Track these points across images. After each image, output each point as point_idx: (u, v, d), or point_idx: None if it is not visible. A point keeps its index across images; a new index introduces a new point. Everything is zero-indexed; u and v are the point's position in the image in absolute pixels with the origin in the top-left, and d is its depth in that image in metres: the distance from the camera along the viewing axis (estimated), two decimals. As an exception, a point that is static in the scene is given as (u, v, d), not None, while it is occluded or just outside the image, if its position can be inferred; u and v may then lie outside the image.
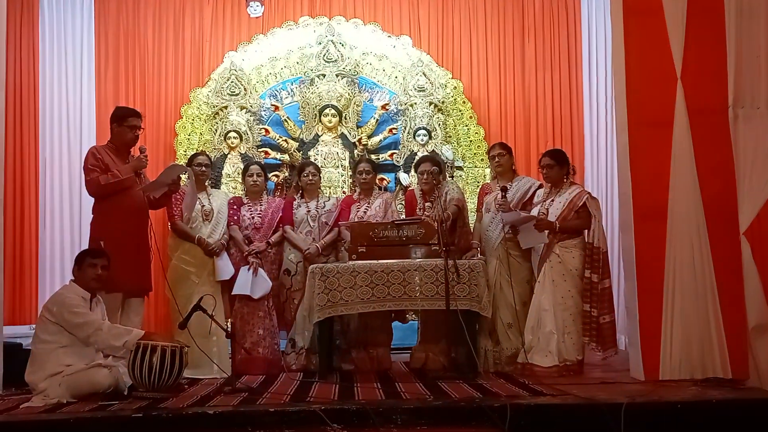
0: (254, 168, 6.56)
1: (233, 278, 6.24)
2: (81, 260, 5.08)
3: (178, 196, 6.11)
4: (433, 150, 7.71)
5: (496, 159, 6.26)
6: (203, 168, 6.31)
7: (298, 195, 6.67)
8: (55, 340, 4.87)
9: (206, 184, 6.46)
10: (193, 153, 6.99)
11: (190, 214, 6.16)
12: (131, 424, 4.16)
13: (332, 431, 4.14)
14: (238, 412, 4.29)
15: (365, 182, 6.53)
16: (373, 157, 7.89)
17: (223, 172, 7.75)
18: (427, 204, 6.15)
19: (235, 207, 6.47)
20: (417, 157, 7.14)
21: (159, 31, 8.38)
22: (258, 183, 6.52)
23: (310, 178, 6.56)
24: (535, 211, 5.92)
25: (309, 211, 6.50)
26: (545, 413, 4.30)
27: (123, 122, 5.66)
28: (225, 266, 6.23)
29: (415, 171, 6.47)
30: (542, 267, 5.77)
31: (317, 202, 6.56)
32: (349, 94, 8.04)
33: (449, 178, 6.55)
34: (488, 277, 5.76)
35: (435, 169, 6.22)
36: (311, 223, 6.47)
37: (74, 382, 4.78)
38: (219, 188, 7.45)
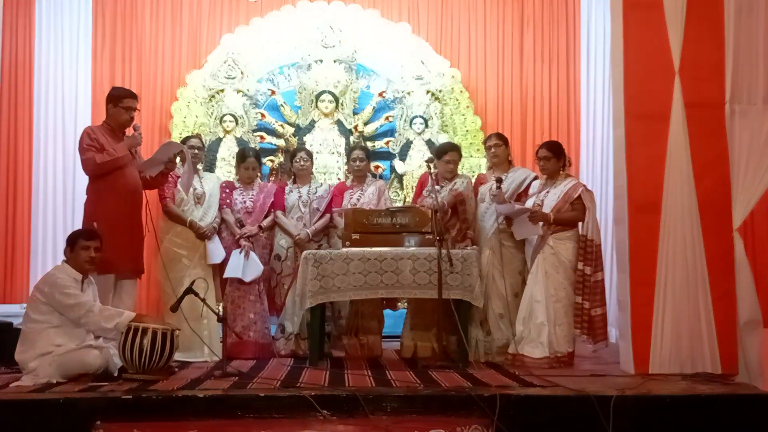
0: (251, 162, 6.50)
1: (225, 261, 6.24)
2: (74, 242, 5.06)
3: (172, 179, 6.09)
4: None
5: (492, 150, 6.25)
6: (195, 150, 6.27)
7: (291, 180, 6.67)
8: (46, 320, 4.86)
9: (198, 167, 6.44)
10: (186, 136, 6.97)
11: (187, 192, 6.16)
12: (121, 406, 4.17)
13: (322, 417, 4.15)
14: (228, 396, 4.30)
15: (358, 169, 6.52)
16: (368, 144, 7.90)
17: (218, 156, 7.75)
18: (437, 187, 6.08)
19: (227, 190, 6.46)
20: (441, 143, 7.05)
21: (156, 13, 8.32)
22: (252, 176, 6.51)
23: (302, 163, 6.55)
24: (530, 203, 5.92)
25: (301, 197, 6.49)
26: (535, 404, 4.32)
27: (119, 103, 5.64)
28: (216, 249, 6.22)
29: (437, 156, 6.32)
30: (535, 258, 5.77)
31: (309, 187, 6.55)
32: (346, 80, 8.03)
33: (464, 172, 6.53)
34: (481, 267, 5.77)
35: (457, 159, 6.27)
36: (302, 209, 6.47)
37: (64, 362, 4.77)
38: (213, 172, 7.44)
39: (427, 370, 5.25)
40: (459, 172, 6.41)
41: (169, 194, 6.17)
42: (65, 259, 5.08)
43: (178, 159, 6.08)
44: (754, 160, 5.05)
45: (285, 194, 6.52)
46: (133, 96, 5.73)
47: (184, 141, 6.44)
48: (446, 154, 6.26)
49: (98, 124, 5.87)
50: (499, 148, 6.22)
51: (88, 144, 5.49)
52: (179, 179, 6.10)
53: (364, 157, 6.55)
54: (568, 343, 5.69)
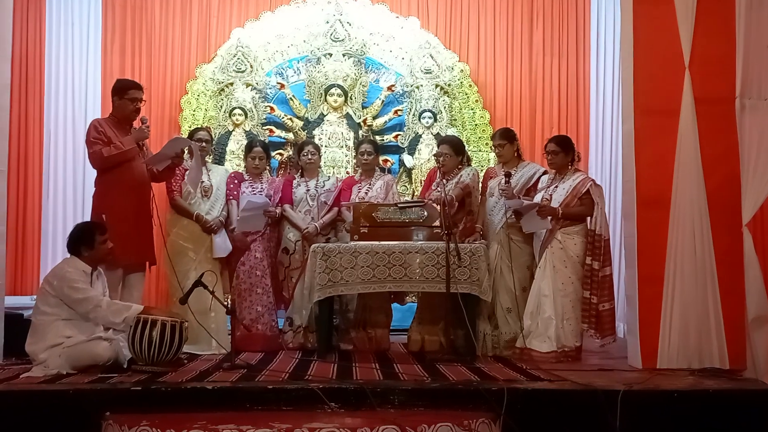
0: (257, 151, 6.50)
1: (232, 254, 6.26)
2: (91, 239, 5.02)
3: (179, 172, 6.10)
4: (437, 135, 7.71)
5: (497, 150, 6.25)
6: (203, 144, 6.27)
7: (298, 174, 6.67)
8: (56, 312, 4.89)
9: (206, 159, 6.44)
10: (194, 128, 6.98)
11: (195, 188, 6.15)
12: (130, 397, 4.19)
13: (330, 410, 4.16)
14: (237, 388, 4.32)
15: (366, 163, 6.53)
16: (377, 138, 7.91)
17: (228, 149, 7.77)
18: (443, 182, 6.09)
19: (235, 181, 6.46)
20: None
21: (166, 6, 8.33)
22: (259, 166, 6.51)
23: (309, 157, 6.54)
24: (538, 197, 5.92)
25: (308, 191, 6.50)
26: (542, 398, 4.33)
27: (124, 95, 5.64)
28: (223, 243, 6.23)
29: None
30: (544, 253, 5.77)
31: (317, 181, 6.56)
32: (355, 74, 8.03)
33: (470, 165, 6.51)
34: (489, 262, 5.77)
35: (450, 152, 6.21)
36: (310, 202, 6.47)
37: (74, 353, 4.80)
38: (223, 165, 7.46)
39: (434, 363, 5.26)
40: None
41: (176, 188, 6.18)
42: (81, 254, 5.08)
43: (186, 154, 6.09)
44: (764, 155, 5.01)
45: (293, 188, 6.53)
46: (138, 87, 5.73)
47: (192, 133, 6.45)
48: (438, 147, 6.39)
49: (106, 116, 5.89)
50: (503, 149, 6.20)
51: (95, 137, 5.49)
52: (186, 173, 6.10)
53: (372, 151, 6.55)
54: (575, 338, 5.69)
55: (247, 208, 6.15)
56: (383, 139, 8.04)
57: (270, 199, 6.37)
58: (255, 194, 6.34)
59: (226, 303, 5.83)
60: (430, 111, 7.97)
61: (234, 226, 6.26)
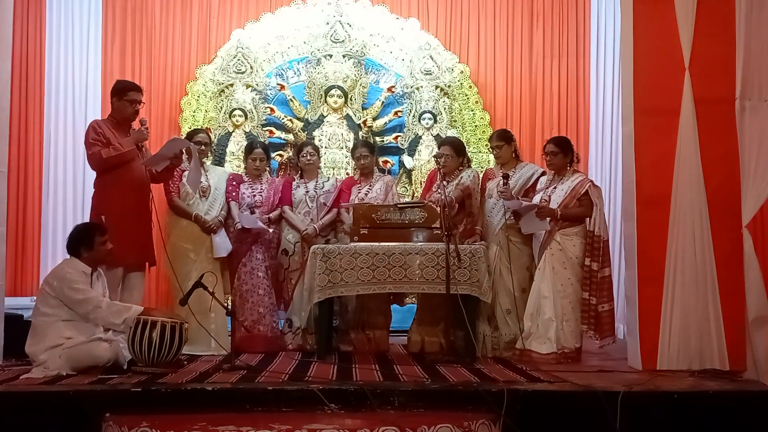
0: (258, 152, 6.49)
1: (232, 254, 6.26)
2: (90, 240, 5.03)
3: (177, 173, 6.09)
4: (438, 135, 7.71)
5: (494, 151, 6.26)
6: (202, 146, 6.25)
7: (298, 175, 6.67)
8: (56, 313, 4.89)
9: (203, 160, 6.42)
10: (193, 129, 6.97)
11: (196, 189, 6.14)
12: (130, 398, 4.19)
13: (330, 411, 4.16)
14: (237, 389, 4.32)
15: (364, 166, 6.52)
16: (377, 139, 7.92)
17: (228, 150, 7.78)
18: (443, 183, 6.09)
19: (234, 183, 6.45)
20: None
21: (166, 6, 8.35)
22: (259, 168, 6.50)
23: (309, 158, 6.54)
24: (537, 198, 5.92)
25: (307, 192, 6.49)
26: (542, 400, 4.32)
27: (123, 96, 5.64)
28: (223, 243, 6.22)
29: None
30: (543, 254, 5.76)
31: (316, 182, 6.55)
32: (355, 75, 8.04)
33: (471, 166, 6.51)
34: (489, 263, 5.77)
35: (451, 153, 6.21)
36: (309, 204, 6.47)
37: (74, 354, 4.79)
38: (223, 166, 7.46)
39: (434, 364, 5.26)
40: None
41: (174, 189, 6.17)
42: (81, 255, 5.08)
43: (184, 155, 6.09)
44: (765, 156, 5.00)
45: (292, 189, 6.53)
46: (138, 89, 5.73)
47: (191, 135, 6.44)
48: (439, 148, 6.41)
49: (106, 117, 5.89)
50: (500, 150, 6.21)
51: (94, 138, 5.49)
52: (184, 173, 6.08)
53: (368, 153, 6.53)
54: (575, 339, 5.69)
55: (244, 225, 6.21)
56: (383, 141, 8.05)
57: (268, 203, 6.38)
58: (254, 196, 6.35)
59: (226, 304, 5.82)
60: (430, 112, 7.98)
61: (237, 222, 6.26)
